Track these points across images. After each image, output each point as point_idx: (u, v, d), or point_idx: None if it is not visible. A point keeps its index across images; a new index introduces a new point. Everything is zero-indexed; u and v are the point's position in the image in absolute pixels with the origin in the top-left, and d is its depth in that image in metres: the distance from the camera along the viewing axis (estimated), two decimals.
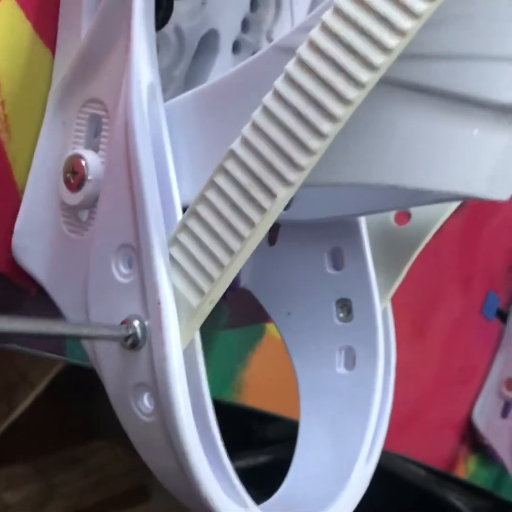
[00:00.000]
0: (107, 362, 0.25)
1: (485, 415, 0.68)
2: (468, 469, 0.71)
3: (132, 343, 0.24)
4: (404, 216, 0.34)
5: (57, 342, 0.31)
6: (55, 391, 0.78)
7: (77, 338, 0.24)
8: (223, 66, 0.32)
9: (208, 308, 0.24)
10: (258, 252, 0.36)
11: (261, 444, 0.79)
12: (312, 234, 0.35)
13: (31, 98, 0.27)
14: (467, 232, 0.62)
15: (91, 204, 0.26)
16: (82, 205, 0.27)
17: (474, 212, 0.62)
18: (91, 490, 0.89)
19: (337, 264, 0.34)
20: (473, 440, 0.70)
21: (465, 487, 0.86)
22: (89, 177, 0.26)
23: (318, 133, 0.22)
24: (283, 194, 0.22)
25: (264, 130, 0.22)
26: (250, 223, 0.23)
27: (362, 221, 0.34)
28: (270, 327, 0.43)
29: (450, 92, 0.23)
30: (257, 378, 0.42)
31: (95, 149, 0.27)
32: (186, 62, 0.30)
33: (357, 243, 0.34)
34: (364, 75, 0.21)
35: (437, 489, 0.90)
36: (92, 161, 0.26)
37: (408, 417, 0.61)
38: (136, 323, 0.24)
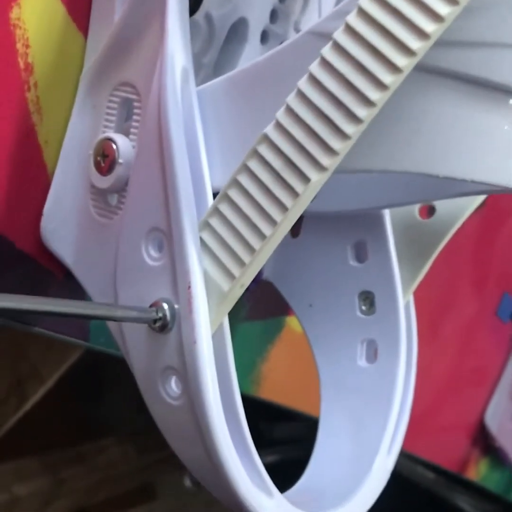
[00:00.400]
0: (135, 345, 0.25)
1: (497, 418, 0.68)
2: (479, 471, 0.71)
3: (161, 326, 0.24)
4: (428, 210, 0.34)
5: (82, 327, 0.31)
6: (65, 387, 0.78)
7: (107, 320, 0.24)
8: (251, 55, 0.32)
9: (238, 293, 0.24)
10: (281, 244, 0.36)
11: (269, 445, 0.78)
12: (335, 227, 0.35)
13: (63, 80, 0.27)
14: (484, 233, 0.62)
15: (121, 187, 0.26)
16: (112, 189, 0.27)
17: (492, 212, 0.61)
18: (97, 488, 0.89)
19: (361, 256, 0.34)
20: (484, 442, 0.70)
21: (475, 490, 0.86)
22: (120, 160, 0.26)
23: (353, 118, 0.22)
24: (316, 179, 0.22)
25: (299, 114, 0.22)
26: (283, 208, 0.23)
27: (387, 214, 0.34)
28: (290, 321, 0.43)
29: (485, 80, 0.23)
30: (276, 371, 0.42)
31: (126, 133, 0.27)
32: (215, 49, 0.30)
33: (381, 236, 0.34)
34: (401, 60, 0.21)
35: (446, 492, 0.90)
36: (123, 144, 0.26)
37: (420, 417, 0.61)
38: (165, 306, 0.24)
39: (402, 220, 0.35)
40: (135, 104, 0.27)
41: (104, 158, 0.27)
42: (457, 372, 0.65)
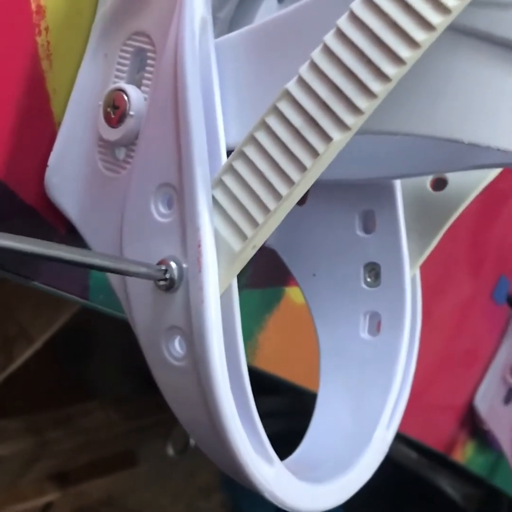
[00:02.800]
0: (139, 303, 0.25)
1: (487, 400, 0.68)
2: (465, 453, 0.71)
3: (168, 284, 0.23)
4: (440, 183, 0.34)
5: (82, 283, 0.31)
6: (53, 349, 0.77)
7: (113, 272, 0.23)
8: (267, 12, 0.31)
9: (249, 254, 0.23)
10: None
11: (260, 417, 0.78)
12: (344, 195, 0.34)
13: (75, 27, 0.26)
14: (483, 214, 0.62)
15: (130, 141, 0.26)
16: (121, 142, 0.26)
17: (491, 194, 0.61)
18: (80, 451, 0.89)
19: (368, 227, 0.34)
20: (473, 425, 0.70)
21: (458, 473, 0.86)
22: (131, 112, 0.25)
23: (381, 76, 0.21)
24: (339, 138, 0.22)
25: (324, 70, 0.21)
26: (301, 167, 0.22)
27: (397, 185, 0.33)
28: (289, 291, 0.42)
29: None
30: (272, 341, 0.42)
31: (138, 84, 0.26)
32: (232, 4, 0.29)
33: (390, 207, 0.33)
34: (435, 18, 0.20)
35: (429, 473, 0.90)
36: (135, 96, 0.25)
37: (411, 397, 0.60)
38: (173, 264, 0.24)
39: (412, 192, 0.34)
40: (149, 54, 0.26)
41: (114, 109, 0.26)
42: (449, 353, 0.64)
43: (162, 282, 0.24)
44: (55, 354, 0.82)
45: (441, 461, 0.85)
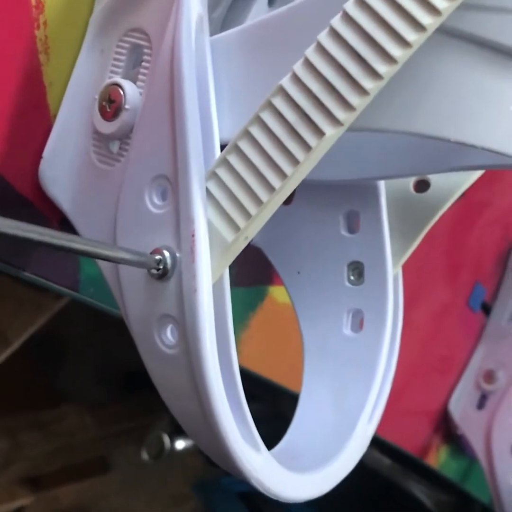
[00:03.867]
0: (132, 292, 0.25)
1: (461, 405, 0.69)
2: (439, 458, 0.72)
3: (162, 273, 0.24)
4: (423, 185, 0.34)
5: (73, 276, 0.31)
6: (29, 353, 0.77)
7: (107, 260, 0.23)
8: (258, 14, 0.32)
9: (242, 245, 0.24)
10: None
11: None
12: (329, 196, 0.35)
13: (73, 22, 0.27)
14: (460, 222, 0.63)
15: (125, 134, 0.26)
16: (116, 135, 0.26)
17: (469, 202, 0.62)
18: (53, 455, 0.89)
19: (352, 227, 0.34)
20: (447, 430, 0.71)
21: (430, 478, 0.87)
22: (127, 106, 0.26)
23: (373, 74, 0.21)
24: (331, 133, 0.22)
25: (317, 67, 0.22)
26: (294, 161, 0.23)
27: (382, 186, 0.34)
28: (273, 290, 0.43)
29: (501, 45, 0.23)
30: (255, 340, 0.42)
31: (133, 80, 0.26)
32: (225, 5, 0.30)
33: (374, 207, 0.34)
34: (426, 19, 0.21)
35: (402, 480, 0.91)
36: (130, 90, 0.26)
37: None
38: (166, 253, 0.24)
39: (395, 193, 0.35)
40: (146, 50, 0.26)
41: (110, 103, 0.26)
42: (424, 359, 0.65)
43: (155, 271, 0.24)
44: (31, 358, 0.82)
45: (414, 467, 0.86)
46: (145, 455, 0.86)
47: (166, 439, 0.84)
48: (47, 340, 0.82)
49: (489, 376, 0.68)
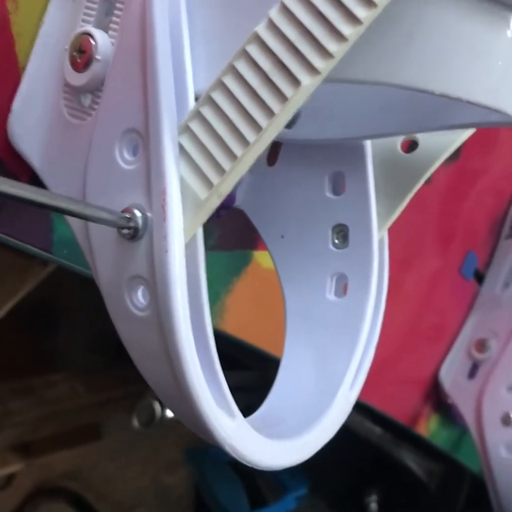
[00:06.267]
0: (102, 252, 0.24)
1: (451, 374, 0.68)
2: (429, 427, 0.71)
3: (132, 233, 0.23)
4: (410, 145, 0.33)
5: (45, 237, 0.30)
6: (18, 319, 0.77)
7: (76, 216, 0.22)
8: None
9: (215, 203, 0.23)
10: (255, 172, 0.35)
11: None
12: (313, 156, 0.34)
13: None
14: (454, 190, 0.62)
15: (96, 86, 0.25)
16: (87, 87, 0.25)
17: (463, 171, 0.61)
18: (43, 422, 0.88)
19: (337, 188, 0.33)
20: (437, 398, 0.70)
21: (421, 447, 0.87)
22: (98, 57, 0.25)
23: (352, 19, 0.20)
24: (308, 83, 0.21)
25: (294, 12, 0.21)
26: (269, 113, 0.22)
27: (368, 146, 0.33)
28: (257, 256, 0.42)
29: None
30: (239, 305, 0.41)
31: (105, 29, 0.25)
32: None
33: (360, 168, 0.33)
34: None
35: (392, 449, 0.91)
36: (102, 40, 0.25)
37: (374, 368, 0.60)
38: (137, 212, 0.23)
39: (382, 153, 0.33)
40: None
41: (81, 53, 0.25)
42: (416, 327, 0.65)
43: (125, 231, 0.23)
44: (19, 324, 0.81)
45: (405, 437, 0.86)
46: (135, 423, 0.86)
47: (157, 406, 0.84)
48: (36, 307, 0.82)
49: (481, 345, 0.68)
